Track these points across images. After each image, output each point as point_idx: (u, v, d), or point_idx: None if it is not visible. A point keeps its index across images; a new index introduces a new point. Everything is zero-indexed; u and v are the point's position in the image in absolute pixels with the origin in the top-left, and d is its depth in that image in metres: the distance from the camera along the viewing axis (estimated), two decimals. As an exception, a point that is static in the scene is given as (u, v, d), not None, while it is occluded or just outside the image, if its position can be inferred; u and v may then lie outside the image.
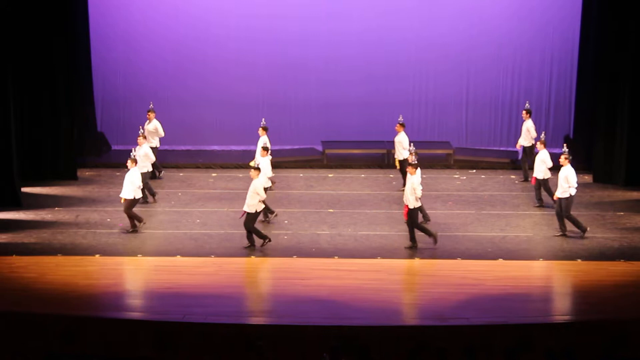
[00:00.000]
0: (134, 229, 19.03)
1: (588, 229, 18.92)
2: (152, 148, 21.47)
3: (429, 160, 23.67)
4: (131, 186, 18.99)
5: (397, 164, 21.87)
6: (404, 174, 21.24)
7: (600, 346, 14.05)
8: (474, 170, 23.79)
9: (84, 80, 23.90)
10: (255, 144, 21.44)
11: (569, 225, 18.93)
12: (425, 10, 24.93)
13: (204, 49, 25.02)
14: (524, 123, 22.49)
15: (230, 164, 23.96)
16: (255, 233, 18.23)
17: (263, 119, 21.66)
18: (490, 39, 24.97)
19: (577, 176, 19.24)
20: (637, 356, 13.96)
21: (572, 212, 18.87)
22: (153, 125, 22.31)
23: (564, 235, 18.86)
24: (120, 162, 23.52)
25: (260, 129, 21.37)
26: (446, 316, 15.25)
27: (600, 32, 22.63)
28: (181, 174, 23.25)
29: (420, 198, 18.20)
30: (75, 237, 18.82)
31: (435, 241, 18.22)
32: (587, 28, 23.70)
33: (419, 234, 18.24)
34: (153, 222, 19.60)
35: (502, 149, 25.09)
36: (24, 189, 21.33)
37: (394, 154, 22.32)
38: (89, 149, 24.14)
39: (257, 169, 18.49)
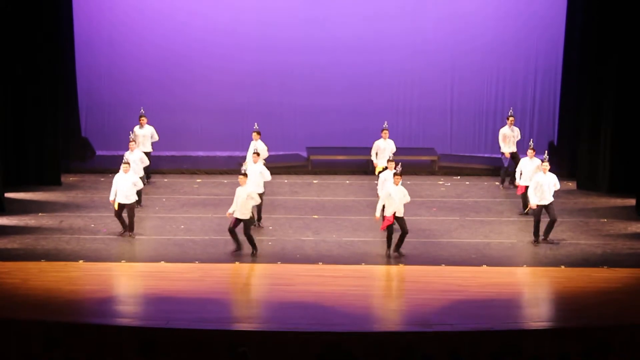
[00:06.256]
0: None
1: (540, 243, 18.97)
2: (145, 153, 21.41)
3: (414, 166, 23.74)
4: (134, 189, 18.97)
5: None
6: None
7: (582, 353, 14.08)
8: (459, 177, 23.87)
9: (68, 86, 23.85)
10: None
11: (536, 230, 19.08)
12: (410, 18, 25.01)
13: (189, 55, 25.03)
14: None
15: (215, 170, 23.97)
16: (249, 240, 18.21)
17: (256, 124, 21.38)
18: (475, 46, 25.07)
19: (561, 183, 19.40)
20: (620, 362, 14.03)
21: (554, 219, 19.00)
22: (149, 131, 22.23)
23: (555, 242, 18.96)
24: (104, 167, 23.60)
25: (254, 133, 21.08)
26: (431, 322, 15.27)
27: (584, 40, 22.75)
28: (165, 180, 23.23)
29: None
30: (59, 243, 18.77)
31: (388, 256, 18.14)
32: (571, 36, 23.82)
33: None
34: (137, 227, 19.54)
35: (486, 155, 25.19)
36: (8, 194, 21.27)
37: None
38: (73, 154, 24.09)
39: (245, 174, 18.40)
